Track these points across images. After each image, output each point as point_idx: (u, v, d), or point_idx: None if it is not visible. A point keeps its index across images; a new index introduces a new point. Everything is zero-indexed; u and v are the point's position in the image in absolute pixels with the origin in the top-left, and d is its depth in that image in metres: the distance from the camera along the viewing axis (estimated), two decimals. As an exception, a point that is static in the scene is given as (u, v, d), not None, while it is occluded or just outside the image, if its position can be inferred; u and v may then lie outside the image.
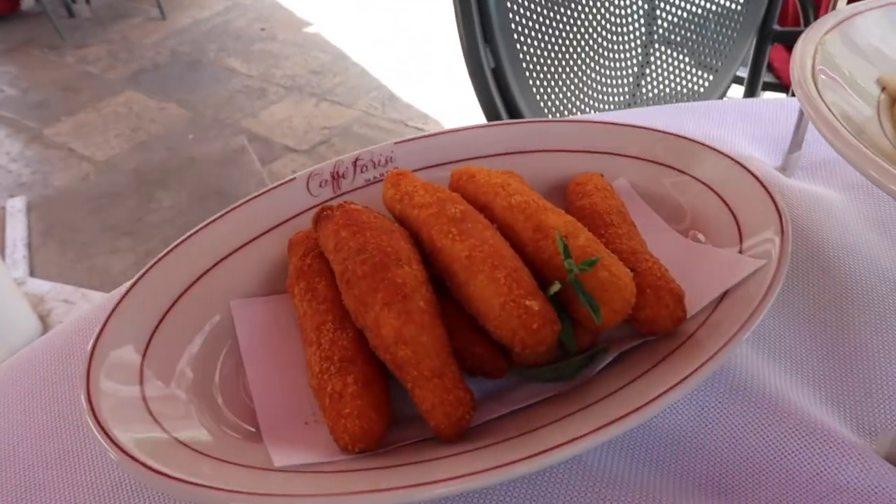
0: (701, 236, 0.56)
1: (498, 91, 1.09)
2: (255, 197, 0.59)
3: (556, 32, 1.12)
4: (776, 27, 1.31)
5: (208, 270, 0.55)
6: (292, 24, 3.82)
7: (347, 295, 0.46)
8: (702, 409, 0.47)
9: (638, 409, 0.39)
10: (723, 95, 1.34)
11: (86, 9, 4.11)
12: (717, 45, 1.28)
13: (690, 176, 0.59)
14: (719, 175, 0.57)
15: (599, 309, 0.43)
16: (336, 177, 0.62)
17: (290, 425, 0.46)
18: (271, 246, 0.58)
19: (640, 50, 1.22)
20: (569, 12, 1.12)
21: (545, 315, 0.42)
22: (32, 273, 2.19)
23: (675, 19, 1.24)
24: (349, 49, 3.49)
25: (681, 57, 1.27)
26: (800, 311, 0.54)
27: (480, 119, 1.10)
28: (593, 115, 0.75)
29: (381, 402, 0.43)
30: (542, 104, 1.14)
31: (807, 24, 1.47)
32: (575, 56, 1.15)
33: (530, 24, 1.09)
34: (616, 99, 1.23)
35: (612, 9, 1.16)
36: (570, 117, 0.72)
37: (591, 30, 1.15)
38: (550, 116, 1.15)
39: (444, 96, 2.98)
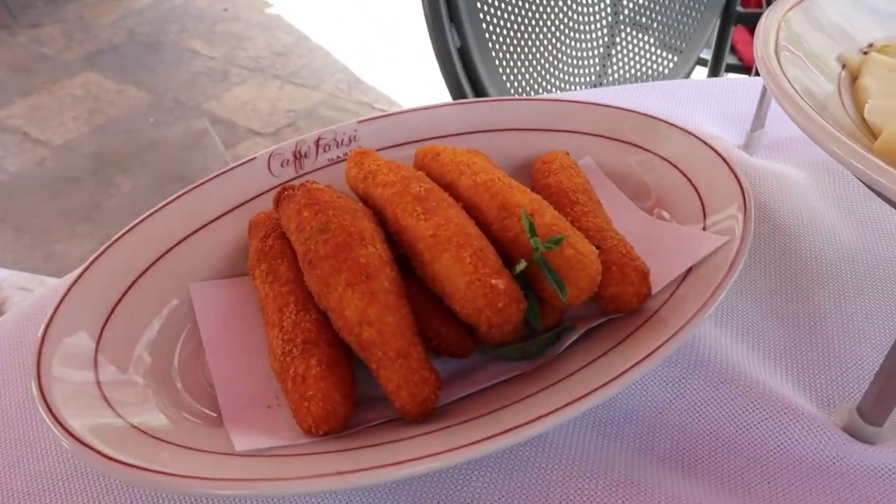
0: (665, 214, 0.56)
1: (464, 71, 1.08)
2: (215, 177, 0.58)
3: (523, 12, 1.11)
4: (739, 9, 1.33)
5: (166, 253, 0.53)
6: (255, 4, 3.74)
7: (310, 276, 0.45)
8: (666, 385, 0.47)
9: (603, 385, 0.39)
10: (687, 76, 1.35)
11: (38, -13, 3.96)
12: (681, 27, 1.29)
13: (655, 154, 0.59)
14: (684, 153, 0.57)
15: (565, 287, 0.43)
16: (298, 156, 0.60)
17: (252, 409, 0.45)
18: (231, 227, 0.56)
19: (605, 31, 1.22)
20: (535, -9, 1.11)
21: (511, 294, 0.42)
22: (-13, 261, 2.13)
23: (641, 0, 1.24)
24: (314, 30, 3.43)
25: (646, 38, 1.27)
26: (761, 287, 0.54)
27: (447, 100, 1.09)
28: (559, 94, 0.75)
29: (346, 383, 0.42)
30: (508, 84, 1.14)
31: (769, 4, 1.49)
32: (541, 36, 1.15)
33: (496, 3, 1.07)
34: (582, 80, 1.23)
35: (577, -12, 1.16)
36: (536, 96, 0.72)
37: (557, 10, 1.14)
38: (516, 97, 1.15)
39: (411, 77, 2.95)
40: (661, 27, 1.27)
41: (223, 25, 3.51)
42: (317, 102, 2.85)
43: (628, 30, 1.25)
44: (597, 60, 1.23)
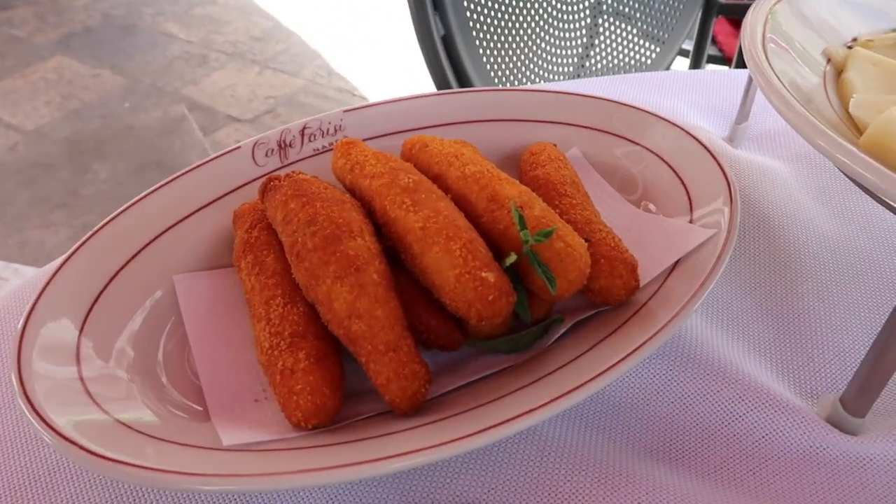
0: (652, 206, 0.56)
1: (448, 59, 1.08)
2: (198, 166, 0.57)
3: (507, 0, 1.11)
4: (721, 0, 1.33)
5: (149, 244, 0.52)
6: (233, -13, 3.67)
7: (298, 268, 0.45)
8: (653, 378, 0.48)
9: (591, 379, 0.39)
10: (669, 67, 1.35)
11: (8, -33, 3.86)
12: (663, 17, 1.29)
13: (642, 146, 0.59)
14: (670, 145, 0.57)
15: (555, 279, 0.43)
16: (283, 146, 0.60)
17: (239, 403, 0.44)
18: (215, 218, 0.55)
19: (588, 21, 1.22)
20: (519, -20, 1.11)
21: (501, 286, 0.41)
22: (-42, 249, 2.08)
23: (624, -11, 1.24)
24: (293, 15, 3.38)
25: (629, 28, 1.27)
26: (747, 280, 0.55)
27: (430, 88, 1.08)
28: (547, 85, 0.75)
29: (335, 377, 0.42)
30: (491, 73, 1.13)
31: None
32: (525, 25, 1.14)
33: (481, -9, 1.07)
34: (565, 69, 1.23)
35: (562, -23, 1.15)
36: (524, 87, 0.71)
37: (541, -2, 1.14)
38: (500, 86, 1.14)
39: (393, 64, 2.92)
40: (643, 17, 1.27)
41: (200, 9, 3.45)
42: (297, 89, 2.81)
43: (611, 19, 1.25)
44: (580, 50, 1.23)
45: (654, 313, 0.44)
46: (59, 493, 0.43)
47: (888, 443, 0.44)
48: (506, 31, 1.12)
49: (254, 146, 0.59)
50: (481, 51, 1.10)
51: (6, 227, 2.15)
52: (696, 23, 1.35)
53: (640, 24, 1.27)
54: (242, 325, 0.49)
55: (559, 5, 1.17)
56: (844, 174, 0.40)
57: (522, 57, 1.16)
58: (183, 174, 0.56)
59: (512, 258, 0.44)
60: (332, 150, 0.56)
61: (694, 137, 0.56)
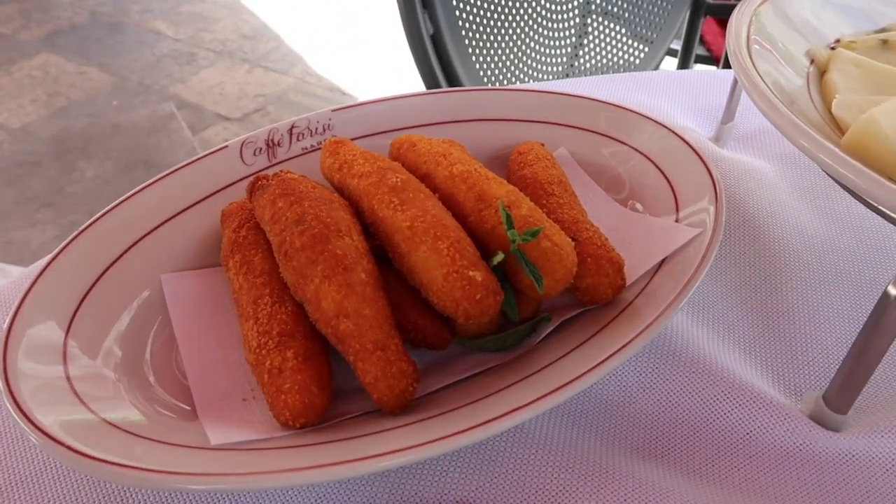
0: (639, 206, 0.56)
1: (437, 58, 1.08)
2: (186, 165, 0.57)
3: None
4: (709, 0, 1.34)
5: (136, 243, 0.52)
6: (222, -15, 3.65)
7: (286, 267, 0.45)
8: (639, 375, 0.48)
9: (578, 377, 0.39)
10: (657, 67, 1.36)
11: (-7, -37, 3.82)
12: (652, 17, 1.29)
13: (629, 146, 0.59)
14: (657, 145, 0.58)
15: (542, 278, 0.43)
16: (271, 145, 0.60)
17: (227, 402, 0.44)
18: (203, 217, 0.55)
19: (577, 20, 1.23)
20: (508, -21, 1.11)
21: (488, 285, 0.42)
22: (-57, 248, 2.06)
23: (613, -11, 1.24)
24: (283, 13, 3.37)
25: (617, 28, 1.28)
26: (731, 278, 0.56)
27: (419, 87, 1.09)
28: (534, 85, 0.75)
29: (323, 376, 0.42)
30: (481, 72, 1.13)
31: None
32: (514, 24, 1.15)
33: (469, -10, 1.07)
34: (554, 69, 1.24)
35: (551, -23, 1.16)
36: (512, 86, 0.72)
37: (530, -2, 1.14)
38: (489, 85, 1.15)
39: (382, 63, 2.92)
40: (632, 17, 1.28)
41: (189, 6, 3.43)
42: (286, 87, 2.80)
43: (600, 19, 1.26)
44: (568, 50, 1.24)
45: (640, 312, 0.45)
46: (45, 493, 0.43)
47: (870, 439, 0.44)
48: (495, 31, 1.13)
49: (242, 145, 0.59)
50: (470, 50, 1.10)
51: (-9, 226, 2.13)
52: (684, 23, 1.36)
53: (628, 23, 1.28)
54: (230, 325, 0.49)
55: (548, 5, 1.17)
56: (827, 174, 0.41)
57: (511, 56, 1.16)
58: (171, 173, 0.56)
59: (499, 257, 0.44)
60: (320, 149, 0.56)
61: (680, 137, 0.56)
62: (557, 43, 1.22)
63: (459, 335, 0.46)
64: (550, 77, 1.24)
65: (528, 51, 1.18)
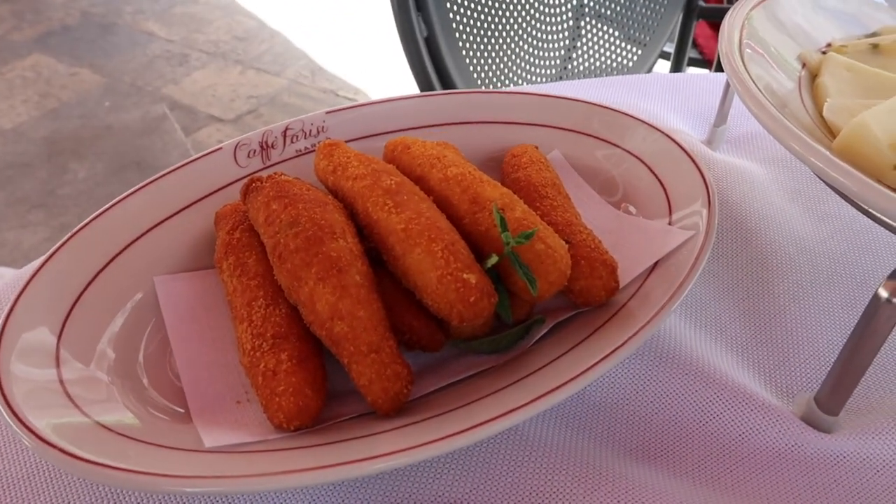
0: (632, 208, 0.57)
1: (430, 60, 1.08)
2: (180, 167, 0.56)
3: (490, 1, 1.11)
4: (702, 3, 1.35)
5: (129, 245, 0.52)
6: (215, -14, 3.64)
7: (280, 270, 0.45)
8: (632, 377, 0.48)
9: (572, 379, 0.39)
10: (650, 70, 1.36)
11: (-15, -37, 3.79)
12: (645, 20, 1.30)
13: (623, 149, 0.59)
14: (650, 148, 0.58)
15: (536, 281, 0.44)
16: (265, 147, 0.60)
17: (221, 405, 0.44)
18: (197, 219, 0.55)
19: (571, 23, 1.23)
20: (502, -18, 1.11)
21: (482, 288, 0.42)
22: (-67, 249, 2.04)
23: (606, -7, 1.25)
24: (276, 14, 3.36)
25: (610, 31, 1.28)
26: (724, 281, 0.56)
27: (413, 89, 1.09)
28: (528, 87, 0.75)
29: (317, 378, 0.42)
30: (475, 74, 1.13)
31: (732, 0, 1.51)
32: (508, 26, 1.15)
33: (463, -8, 1.07)
34: (547, 72, 1.24)
35: (544, -20, 1.16)
36: (506, 89, 0.72)
37: (524, 0, 1.15)
38: (483, 87, 1.15)
39: (376, 65, 2.92)
40: (625, 20, 1.28)
41: (181, 7, 3.42)
42: (279, 89, 2.80)
43: (593, 22, 1.26)
44: (562, 52, 1.24)
45: (634, 314, 0.45)
46: (38, 496, 0.43)
47: (861, 440, 0.45)
48: (489, 33, 1.13)
49: (236, 147, 0.59)
50: (464, 52, 1.11)
51: (-18, 228, 2.12)
52: (677, 26, 1.37)
53: (621, 26, 1.28)
54: (224, 327, 0.49)
55: (542, 7, 1.18)
56: (819, 177, 0.41)
57: (505, 59, 1.17)
58: (164, 175, 0.56)
59: (493, 260, 0.44)
60: (314, 151, 0.57)
61: (673, 140, 0.56)
62: (551, 45, 1.22)
63: (453, 337, 0.46)
64: (544, 79, 1.24)
65: (522, 53, 1.19)
